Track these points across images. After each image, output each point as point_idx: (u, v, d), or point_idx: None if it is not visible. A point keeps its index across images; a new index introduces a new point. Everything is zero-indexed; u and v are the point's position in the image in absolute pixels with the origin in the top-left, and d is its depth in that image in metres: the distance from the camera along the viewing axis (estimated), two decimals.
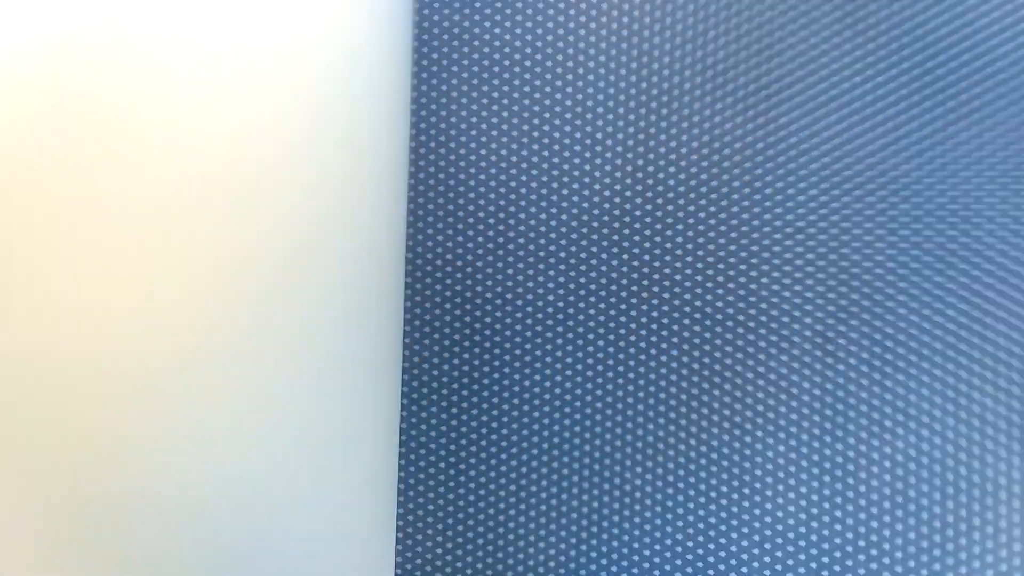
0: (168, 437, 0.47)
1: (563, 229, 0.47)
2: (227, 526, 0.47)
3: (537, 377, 0.47)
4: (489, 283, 0.47)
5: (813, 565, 0.44)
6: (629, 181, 0.47)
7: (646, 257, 0.46)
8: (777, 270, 0.45)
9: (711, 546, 0.45)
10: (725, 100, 0.46)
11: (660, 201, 0.46)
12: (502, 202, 0.47)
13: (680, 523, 0.45)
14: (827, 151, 0.45)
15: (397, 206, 0.47)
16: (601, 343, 0.47)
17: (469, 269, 0.47)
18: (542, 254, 0.47)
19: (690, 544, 0.45)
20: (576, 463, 0.47)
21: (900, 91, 0.45)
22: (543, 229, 0.47)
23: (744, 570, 0.45)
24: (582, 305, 0.47)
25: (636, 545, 0.46)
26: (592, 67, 0.47)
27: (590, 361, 0.47)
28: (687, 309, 0.46)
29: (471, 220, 0.47)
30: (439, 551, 0.47)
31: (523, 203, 0.47)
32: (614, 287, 0.47)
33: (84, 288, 0.47)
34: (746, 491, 0.45)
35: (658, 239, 0.46)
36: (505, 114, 0.47)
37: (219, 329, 0.47)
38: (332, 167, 0.47)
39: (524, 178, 0.47)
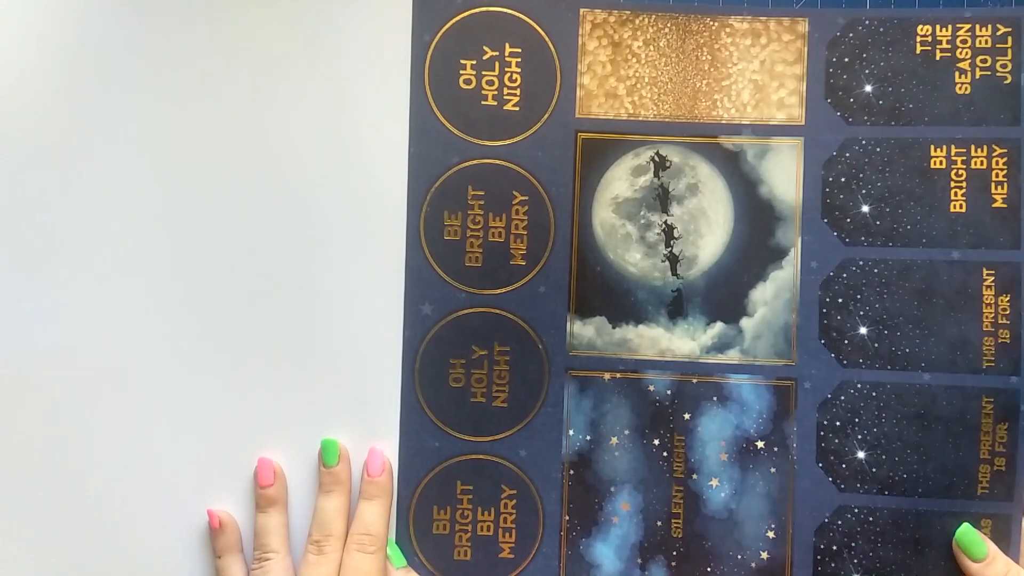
0: (167, 436, 0.47)
1: None
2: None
3: None
4: None
5: None
6: None
7: None
8: None
9: None
10: None
11: None
12: None
13: None
14: None
15: (397, 205, 0.47)
16: None
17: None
18: None
19: None
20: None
21: None
22: None
23: None
24: None
25: None
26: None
27: None
28: None
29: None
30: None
31: None
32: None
33: (86, 287, 0.46)
34: None
35: None
36: None
37: (218, 328, 0.47)
38: (332, 168, 0.47)
39: None
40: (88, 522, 0.46)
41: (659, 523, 0.47)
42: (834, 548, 0.45)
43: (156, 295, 0.47)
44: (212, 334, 0.47)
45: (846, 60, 0.46)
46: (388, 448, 0.47)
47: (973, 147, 0.45)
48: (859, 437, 0.45)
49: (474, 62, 0.47)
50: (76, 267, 0.47)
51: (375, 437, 0.47)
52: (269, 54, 0.47)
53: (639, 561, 0.47)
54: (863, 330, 0.46)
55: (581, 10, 0.47)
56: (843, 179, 0.46)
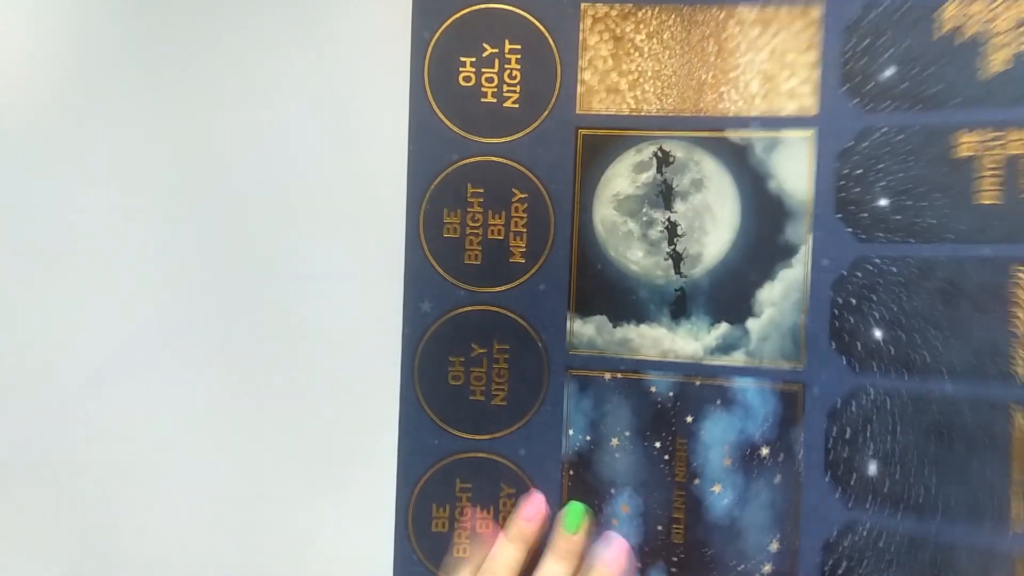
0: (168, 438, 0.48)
1: None
2: (223, 519, 0.48)
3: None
4: None
5: None
6: None
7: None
8: None
9: None
10: None
11: None
12: None
13: None
14: None
15: (396, 202, 0.47)
16: None
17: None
18: None
19: None
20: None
21: None
22: None
23: None
24: None
25: None
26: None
27: None
28: None
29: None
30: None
31: None
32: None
33: (82, 288, 0.48)
34: None
35: None
36: None
37: (217, 326, 0.48)
38: (331, 165, 0.48)
39: None
40: (85, 521, 0.48)
41: (659, 527, 0.45)
42: (841, 570, 0.43)
43: (154, 293, 0.48)
44: (210, 332, 0.48)
45: (864, 43, 0.44)
46: (387, 445, 0.47)
47: (1010, 130, 0.42)
48: (871, 449, 0.43)
49: (473, 59, 0.47)
50: (75, 265, 0.48)
51: (374, 434, 0.47)
52: (269, 52, 0.48)
53: (639, 565, 0.45)
54: (878, 333, 0.43)
55: (582, 5, 0.47)
56: (859, 171, 0.44)
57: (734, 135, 0.45)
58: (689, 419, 0.45)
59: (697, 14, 0.46)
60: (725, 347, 0.45)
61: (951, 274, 0.42)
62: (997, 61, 0.42)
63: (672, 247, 0.46)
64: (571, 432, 0.47)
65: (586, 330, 0.46)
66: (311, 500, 0.48)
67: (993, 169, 0.42)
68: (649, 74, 0.46)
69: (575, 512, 0.42)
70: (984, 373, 0.42)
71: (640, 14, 0.46)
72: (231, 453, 0.48)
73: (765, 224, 0.45)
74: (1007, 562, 0.40)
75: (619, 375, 0.46)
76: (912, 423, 0.42)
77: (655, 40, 0.46)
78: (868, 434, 0.43)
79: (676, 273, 0.46)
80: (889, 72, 0.43)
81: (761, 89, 0.45)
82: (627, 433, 0.46)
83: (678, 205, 0.46)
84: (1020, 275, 0.41)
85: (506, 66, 0.47)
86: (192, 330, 0.48)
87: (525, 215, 0.47)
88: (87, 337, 0.49)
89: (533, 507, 0.42)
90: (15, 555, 0.48)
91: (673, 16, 0.46)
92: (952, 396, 0.42)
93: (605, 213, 0.47)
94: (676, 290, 0.46)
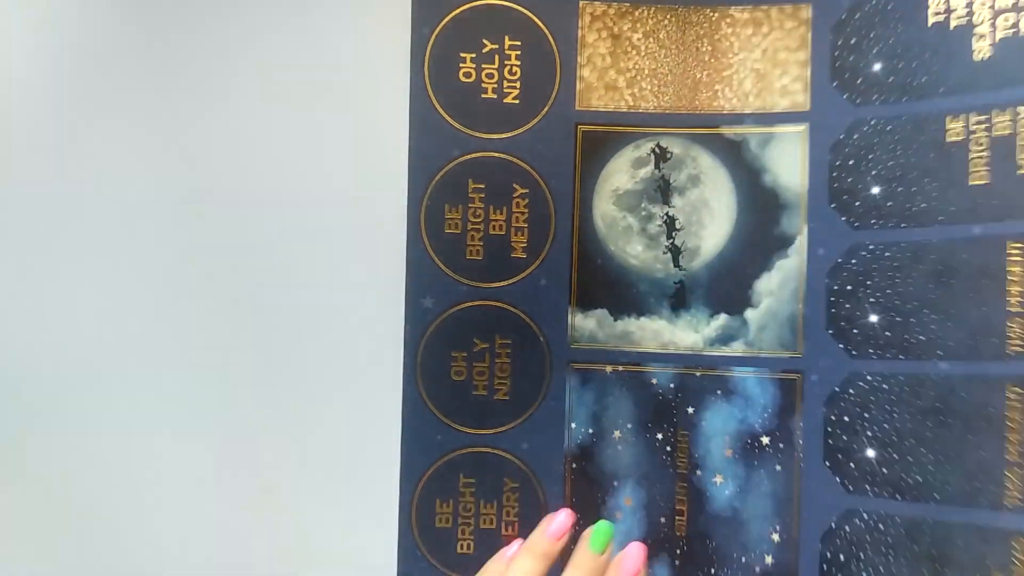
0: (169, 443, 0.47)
1: None
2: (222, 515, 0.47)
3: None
4: None
5: None
6: None
7: None
8: None
9: None
10: None
11: None
12: None
13: None
14: None
15: (397, 198, 0.48)
16: None
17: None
18: None
19: None
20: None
21: None
22: None
23: None
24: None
25: None
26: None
27: None
28: None
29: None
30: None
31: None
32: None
33: (83, 287, 0.47)
34: None
35: None
36: None
37: (219, 323, 0.47)
38: (332, 162, 0.48)
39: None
40: (85, 521, 0.47)
41: (663, 520, 0.46)
42: (841, 558, 0.44)
43: (156, 290, 0.48)
44: (213, 329, 0.48)
45: (852, 41, 0.45)
46: (390, 441, 0.47)
47: (995, 112, 0.43)
48: (868, 434, 0.44)
49: (474, 55, 0.48)
50: (75, 265, 0.48)
51: (377, 430, 0.47)
52: (268, 49, 0.48)
53: None
54: (873, 318, 0.44)
55: (581, 3, 0.48)
56: (851, 161, 0.45)
57: (729, 131, 0.46)
58: (690, 410, 0.46)
59: (691, 14, 0.47)
60: (724, 338, 0.46)
61: (943, 256, 0.43)
62: (978, 51, 0.44)
63: (671, 241, 0.47)
64: (573, 425, 0.47)
65: (587, 324, 0.47)
66: (315, 496, 0.47)
67: (980, 152, 0.43)
68: (646, 72, 0.47)
69: (602, 532, 0.42)
70: (978, 352, 0.43)
71: (637, 13, 0.47)
72: (234, 452, 0.47)
73: (761, 217, 0.46)
74: (1003, 539, 0.41)
75: (620, 368, 0.47)
76: (908, 405, 0.43)
77: (651, 39, 0.47)
78: (866, 419, 0.44)
79: (675, 266, 0.46)
80: (876, 67, 0.45)
81: (754, 87, 0.46)
82: (629, 425, 0.46)
83: (676, 200, 0.47)
84: (1014, 251, 0.43)
85: (506, 62, 0.48)
86: (194, 327, 0.48)
87: (526, 211, 0.47)
88: (87, 337, 0.48)
89: (560, 525, 0.42)
90: (15, 555, 0.47)
91: (668, 16, 0.47)
92: (948, 376, 0.43)
93: (605, 208, 0.47)
94: (675, 283, 0.46)
